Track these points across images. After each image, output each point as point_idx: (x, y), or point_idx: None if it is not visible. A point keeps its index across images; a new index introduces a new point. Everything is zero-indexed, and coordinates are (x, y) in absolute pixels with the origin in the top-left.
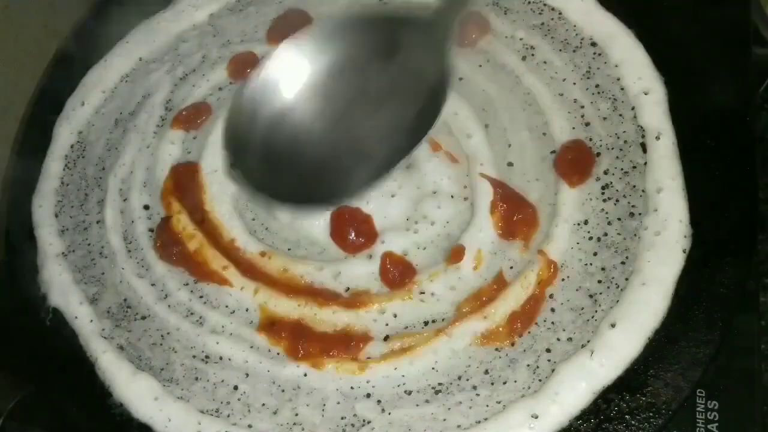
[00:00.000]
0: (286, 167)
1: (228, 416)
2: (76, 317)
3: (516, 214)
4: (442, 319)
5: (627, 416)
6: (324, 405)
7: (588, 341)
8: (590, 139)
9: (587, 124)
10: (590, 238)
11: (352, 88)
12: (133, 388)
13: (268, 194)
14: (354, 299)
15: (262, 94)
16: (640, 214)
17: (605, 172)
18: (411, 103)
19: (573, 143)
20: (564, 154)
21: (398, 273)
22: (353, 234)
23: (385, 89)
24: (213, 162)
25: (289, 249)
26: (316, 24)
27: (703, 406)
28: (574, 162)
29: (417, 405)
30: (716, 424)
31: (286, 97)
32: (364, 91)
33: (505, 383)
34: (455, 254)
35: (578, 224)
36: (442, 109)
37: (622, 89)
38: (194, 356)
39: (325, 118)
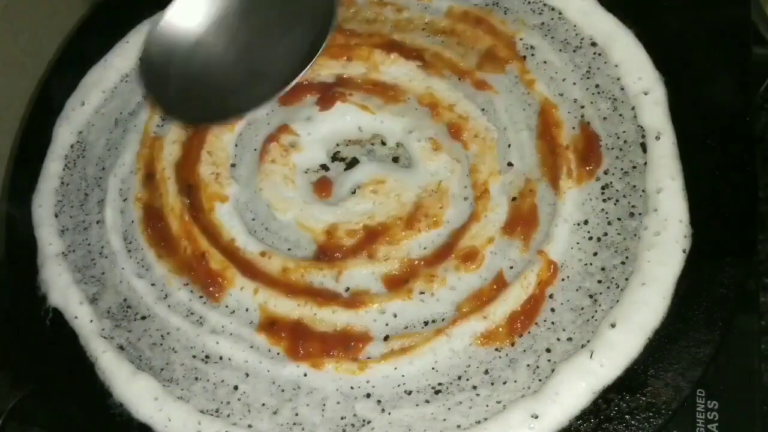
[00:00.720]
0: (198, 91)
1: (228, 416)
2: (76, 317)
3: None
4: (442, 319)
5: (627, 416)
6: (324, 405)
7: (588, 341)
8: None
9: (587, 124)
10: (590, 238)
11: (252, 18)
12: (133, 388)
13: (179, 115)
14: (354, 299)
15: (176, 30)
16: (640, 214)
17: (605, 172)
18: (303, 29)
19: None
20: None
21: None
22: None
23: (280, 19)
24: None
25: (289, 249)
26: None
27: (703, 406)
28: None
29: (417, 405)
30: (716, 424)
31: (198, 30)
32: (263, 21)
33: (505, 383)
34: (467, 256)
35: (578, 224)
36: (329, 34)
37: (622, 89)
38: (194, 356)
39: (232, 45)
